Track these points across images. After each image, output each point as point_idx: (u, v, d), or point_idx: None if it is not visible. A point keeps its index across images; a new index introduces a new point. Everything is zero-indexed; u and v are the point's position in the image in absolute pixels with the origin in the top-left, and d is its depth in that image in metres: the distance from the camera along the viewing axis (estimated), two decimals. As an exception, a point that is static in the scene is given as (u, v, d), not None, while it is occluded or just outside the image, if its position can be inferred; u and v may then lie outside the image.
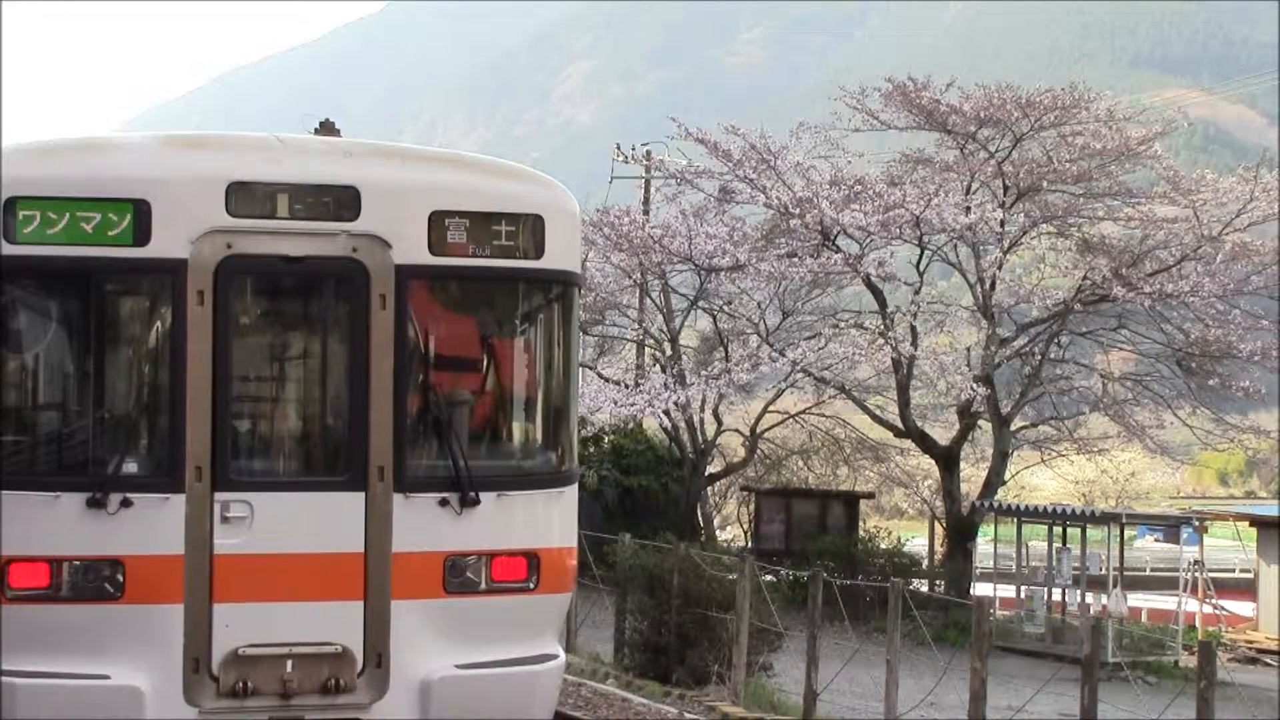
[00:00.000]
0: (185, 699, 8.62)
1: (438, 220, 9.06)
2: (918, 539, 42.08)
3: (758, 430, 35.66)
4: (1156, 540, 46.40)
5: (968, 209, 30.10)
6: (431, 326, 9.30)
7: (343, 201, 8.93)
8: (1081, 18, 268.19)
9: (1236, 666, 29.51)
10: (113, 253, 8.64)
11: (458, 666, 8.99)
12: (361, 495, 8.88)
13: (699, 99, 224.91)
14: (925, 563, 35.98)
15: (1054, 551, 30.73)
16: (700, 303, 33.12)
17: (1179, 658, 28.82)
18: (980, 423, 32.44)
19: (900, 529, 40.41)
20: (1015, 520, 31.92)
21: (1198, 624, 35.40)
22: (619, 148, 39.16)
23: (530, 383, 9.81)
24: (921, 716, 16.33)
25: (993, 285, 30.94)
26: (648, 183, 38.08)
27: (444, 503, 9.01)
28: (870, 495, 39.09)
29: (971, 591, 29.46)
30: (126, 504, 8.54)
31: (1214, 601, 37.97)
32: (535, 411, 9.87)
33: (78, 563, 8.53)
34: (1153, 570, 43.01)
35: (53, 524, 8.52)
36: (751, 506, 36.42)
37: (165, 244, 8.65)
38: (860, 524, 34.12)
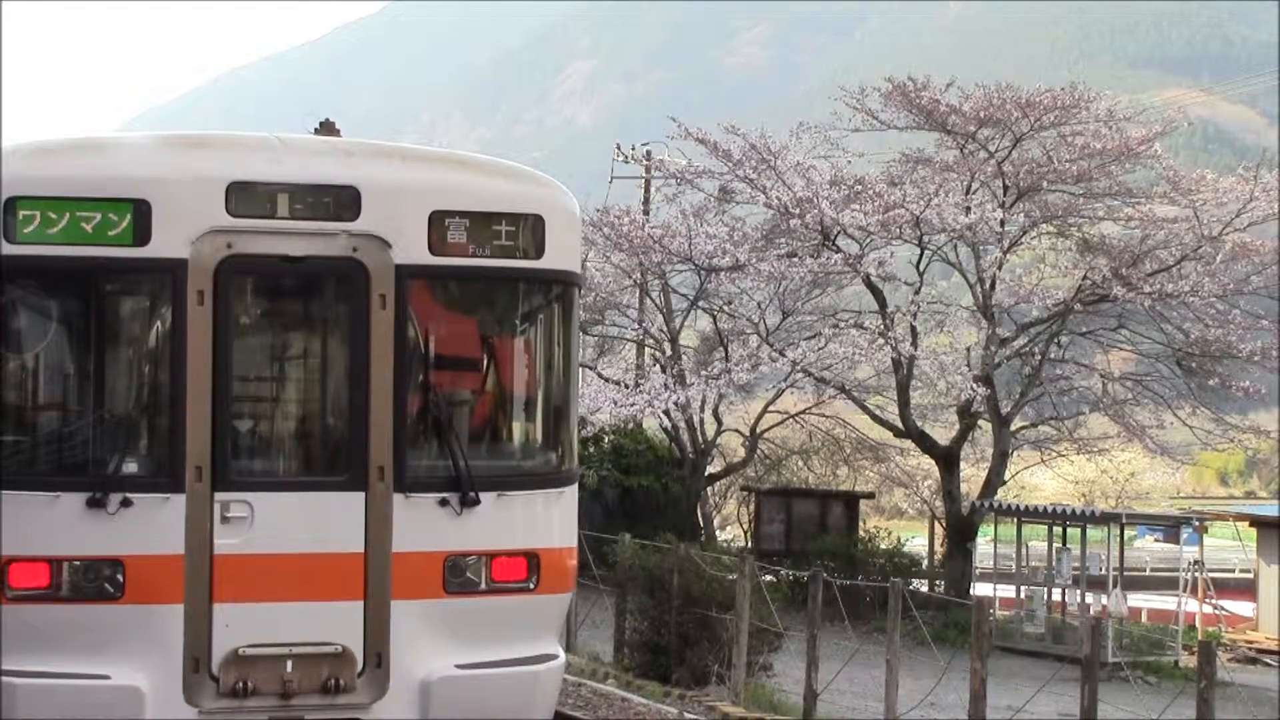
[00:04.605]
0: (185, 699, 8.62)
1: (438, 220, 9.05)
2: (918, 539, 42.09)
3: (758, 430, 35.66)
4: (1156, 540, 46.39)
5: (968, 209, 30.10)
6: (431, 326, 9.29)
7: (343, 201, 8.93)
8: (1081, 18, 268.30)
9: (1236, 666, 29.54)
10: (113, 253, 8.64)
11: (458, 666, 8.98)
12: (361, 495, 8.88)
13: (699, 99, 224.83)
14: (925, 563, 35.99)
15: (1054, 551, 30.73)
16: (700, 303, 33.10)
17: (1179, 658, 28.83)
18: (980, 423, 32.44)
19: (900, 529, 40.39)
20: (1015, 520, 31.91)
21: (1198, 624, 35.42)
22: (619, 148, 39.09)
23: (530, 383, 9.80)
24: (921, 716, 16.33)
25: (993, 285, 30.94)
26: (648, 183, 38.05)
27: (444, 503, 9.00)
28: (870, 495, 39.07)
29: (971, 591, 29.45)
30: (126, 504, 8.54)
31: (1214, 601, 37.98)
32: (535, 411, 9.86)
33: (78, 563, 8.53)
34: (1153, 570, 43.04)
35: (53, 524, 8.52)
36: (751, 506, 36.39)
37: (165, 244, 8.64)
38: (860, 524, 34.10)
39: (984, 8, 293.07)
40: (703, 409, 32.68)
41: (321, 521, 8.83)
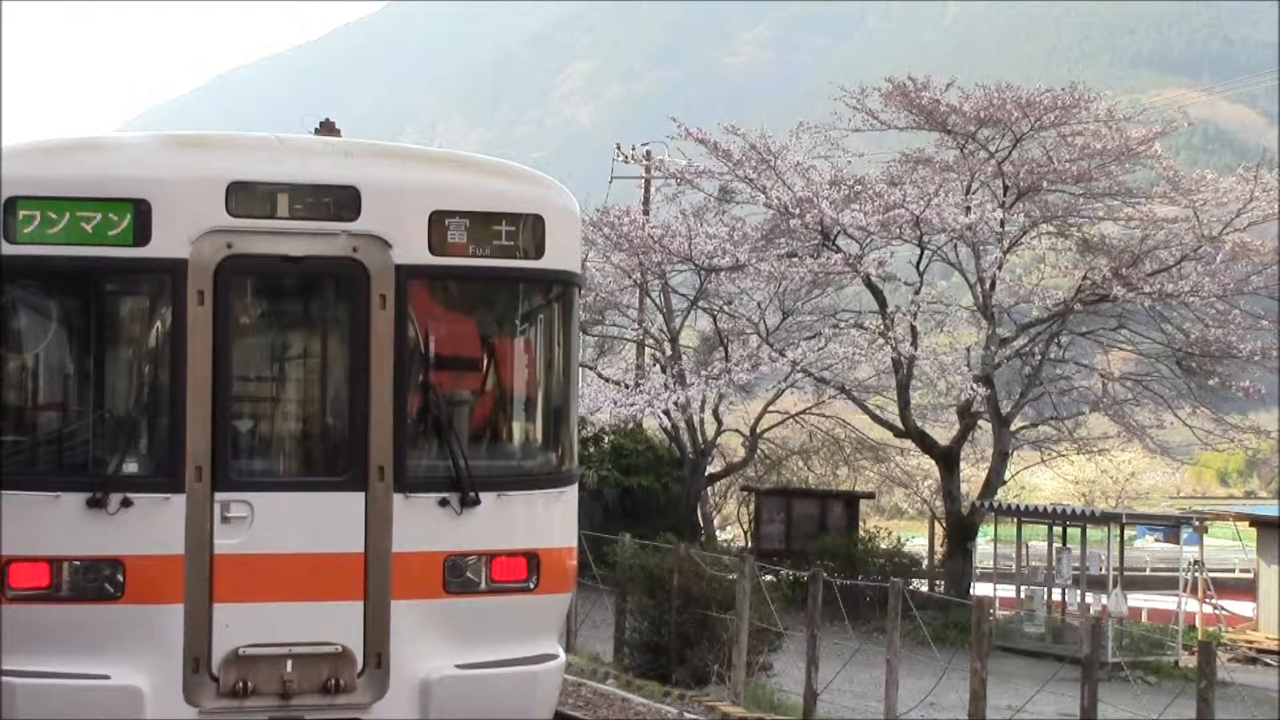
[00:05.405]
0: (185, 699, 8.61)
1: (438, 220, 9.05)
2: (918, 539, 42.11)
3: (758, 430, 35.66)
4: (1156, 540, 46.39)
5: (968, 209, 30.11)
6: (431, 326, 9.30)
7: (343, 201, 8.93)
8: (1081, 18, 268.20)
9: (1236, 666, 29.51)
10: (113, 253, 8.64)
11: (458, 666, 8.98)
12: (361, 495, 8.88)
13: (699, 99, 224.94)
14: (925, 563, 36.00)
15: (1054, 551, 30.72)
16: (700, 303, 33.10)
17: (1179, 658, 28.82)
18: (980, 423, 32.43)
19: (900, 529, 40.42)
20: (1015, 520, 31.91)
21: (1198, 624, 35.41)
22: (619, 148, 39.06)
23: (530, 383, 9.80)
24: (921, 716, 16.34)
25: (993, 285, 30.94)
26: (648, 183, 38.03)
27: (444, 503, 9.00)
28: (870, 495, 39.09)
29: (971, 591, 29.45)
30: (127, 504, 8.54)
31: (1214, 601, 37.97)
32: (535, 411, 9.86)
33: (78, 563, 8.53)
34: (1153, 570, 43.03)
35: (53, 524, 8.52)
36: (751, 506, 36.41)
37: (165, 244, 8.64)
38: (860, 524, 34.11)
39: (984, 8, 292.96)
40: (703, 409, 32.67)
41: (321, 521, 8.83)
